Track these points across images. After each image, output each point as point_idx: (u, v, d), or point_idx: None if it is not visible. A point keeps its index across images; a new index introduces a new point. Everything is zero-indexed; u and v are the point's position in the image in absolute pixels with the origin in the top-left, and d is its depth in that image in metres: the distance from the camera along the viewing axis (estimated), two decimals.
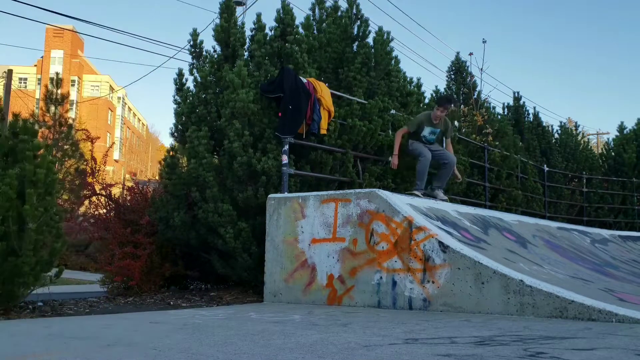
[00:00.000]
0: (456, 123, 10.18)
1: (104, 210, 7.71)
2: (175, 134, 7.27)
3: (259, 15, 6.86)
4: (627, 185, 13.43)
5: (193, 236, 6.48)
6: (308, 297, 5.09)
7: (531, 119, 13.58)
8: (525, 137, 12.67)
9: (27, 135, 4.90)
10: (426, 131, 6.89)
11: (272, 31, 6.83)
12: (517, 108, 13.63)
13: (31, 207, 4.44)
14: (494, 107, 12.88)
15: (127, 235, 6.83)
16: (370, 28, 7.67)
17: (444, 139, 7.15)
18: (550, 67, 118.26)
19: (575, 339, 2.81)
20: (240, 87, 6.05)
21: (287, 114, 6.04)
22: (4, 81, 17.73)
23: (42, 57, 52.43)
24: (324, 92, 6.39)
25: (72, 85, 51.53)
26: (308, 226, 5.24)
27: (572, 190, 12.89)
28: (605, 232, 9.61)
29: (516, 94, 13.84)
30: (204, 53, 7.26)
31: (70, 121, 19.07)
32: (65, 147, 17.28)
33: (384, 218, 4.80)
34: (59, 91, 18.57)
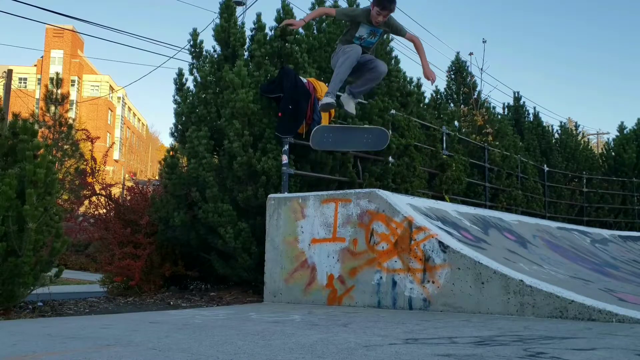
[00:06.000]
0: (456, 123, 10.19)
1: (104, 210, 7.71)
2: (175, 134, 7.27)
3: (259, 15, 6.86)
4: (627, 185, 13.44)
5: (193, 236, 6.48)
6: (308, 297, 5.08)
7: (531, 119, 13.60)
8: (525, 137, 12.67)
9: (27, 135, 4.91)
10: (363, 31, 5.46)
11: (272, 31, 6.83)
12: (517, 108, 13.65)
13: (31, 207, 4.44)
14: (494, 107, 12.90)
15: (127, 235, 6.83)
16: None
17: (401, 36, 5.61)
18: (550, 66, 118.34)
19: (576, 339, 2.81)
20: (240, 87, 6.04)
21: (287, 114, 6.04)
22: (4, 81, 17.72)
23: (42, 57, 52.47)
24: (324, 92, 6.39)
25: (72, 85, 51.57)
26: (308, 226, 5.24)
27: (572, 190, 12.89)
28: (606, 232, 9.60)
29: (516, 94, 13.88)
30: (204, 53, 7.26)
31: (70, 121, 19.11)
32: (65, 147, 17.31)
33: (384, 218, 4.79)
34: (59, 91, 18.61)
